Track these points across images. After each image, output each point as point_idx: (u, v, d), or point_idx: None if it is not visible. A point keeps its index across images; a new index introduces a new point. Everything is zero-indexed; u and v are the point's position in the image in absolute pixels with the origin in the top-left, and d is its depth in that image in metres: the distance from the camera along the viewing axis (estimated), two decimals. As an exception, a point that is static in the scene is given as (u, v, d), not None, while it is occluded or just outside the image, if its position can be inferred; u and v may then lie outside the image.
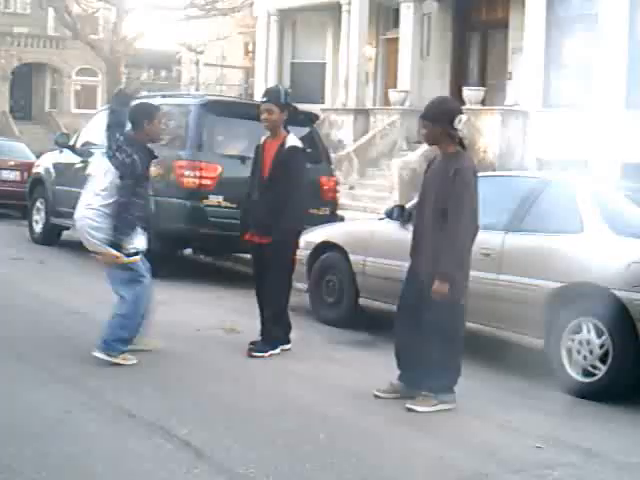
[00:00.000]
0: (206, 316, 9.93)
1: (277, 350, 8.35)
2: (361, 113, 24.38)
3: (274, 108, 8.36)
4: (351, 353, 8.83)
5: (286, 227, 8.30)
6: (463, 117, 7.01)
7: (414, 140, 21.42)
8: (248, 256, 13.89)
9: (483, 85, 21.97)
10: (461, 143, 7.09)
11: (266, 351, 8.27)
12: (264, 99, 8.50)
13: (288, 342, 8.54)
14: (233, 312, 10.21)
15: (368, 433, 6.29)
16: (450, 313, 6.86)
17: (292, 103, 8.61)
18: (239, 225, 8.88)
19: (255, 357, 8.18)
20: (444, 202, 6.83)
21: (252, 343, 8.35)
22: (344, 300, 10.04)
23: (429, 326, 6.87)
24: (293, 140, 8.45)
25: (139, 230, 7.78)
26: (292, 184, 8.31)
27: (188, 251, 13.93)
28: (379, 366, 8.26)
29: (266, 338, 8.39)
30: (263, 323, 8.53)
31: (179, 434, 5.83)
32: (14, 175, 20.23)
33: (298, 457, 5.61)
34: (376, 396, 7.12)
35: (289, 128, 8.61)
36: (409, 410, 6.75)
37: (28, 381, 6.89)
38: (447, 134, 6.98)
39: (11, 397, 6.44)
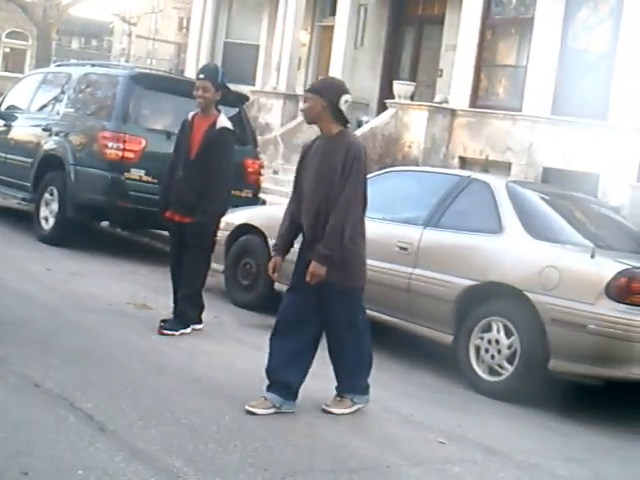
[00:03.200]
0: (119, 290, 9.84)
1: (188, 330, 8.31)
2: (291, 98, 24.34)
3: (210, 86, 8.28)
4: (263, 337, 8.70)
5: (210, 209, 8.25)
6: (349, 97, 6.52)
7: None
8: (165, 233, 13.90)
9: (414, 80, 22.06)
10: (344, 123, 6.61)
11: (177, 330, 8.22)
12: (201, 76, 8.40)
13: (200, 322, 8.52)
14: (146, 288, 10.14)
15: (273, 418, 6.28)
16: (350, 302, 6.60)
17: (227, 84, 8.57)
18: (159, 201, 8.79)
19: (166, 335, 8.13)
20: (335, 184, 6.38)
21: (163, 321, 8.30)
22: (260, 284, 10.02)
23: (335, 321, 6.61)
24: (225, 121, 8.38)
25: None
26: (220, 166, 8.25)
27: (105, 223, 13.80)
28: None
29: (178, 317, 8.34)
30: (176, 301, 8.48)
31: (83, 407, 5.77)
32: None
33: (202, 437, 5.59)
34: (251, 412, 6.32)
35: (219, 107, 8.56)
36: (326, 412, 6.55)
37: None
38: (331, 110, 6.48)
39: None
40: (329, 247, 6.36)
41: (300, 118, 22.74)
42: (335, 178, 6.40)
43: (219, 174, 8.25)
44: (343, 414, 6.57)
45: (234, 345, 8.32)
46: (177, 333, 8.21)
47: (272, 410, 6.37)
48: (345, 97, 6.55)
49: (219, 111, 8.44)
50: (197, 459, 5.21)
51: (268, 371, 6.56)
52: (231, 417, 6.10)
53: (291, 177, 21.60)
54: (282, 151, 21.72)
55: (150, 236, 14.57)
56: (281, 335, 6.62)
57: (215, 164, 8.21)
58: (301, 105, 22.49)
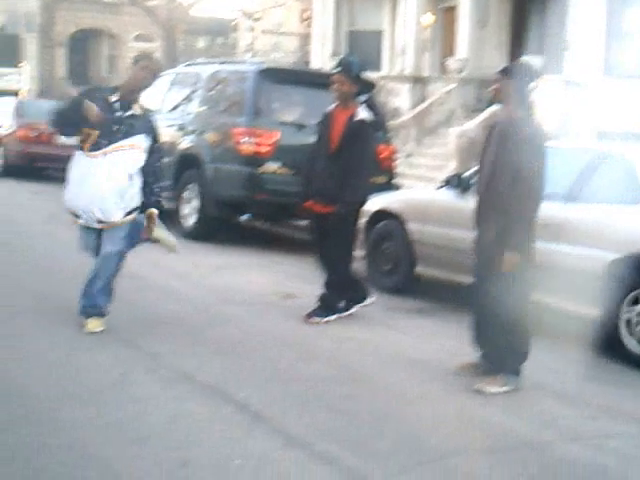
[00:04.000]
0: (264, 281, 10.00)
1: (333, 317, 8.39)
2: (418, 81, 24.28)
3: (346, 79, 8.33)
4: (408, 321, 8.84)
5: (350, 200, 8.32)
6: (536, 84, 6.63)
7: (472, 109, 21.29)
8: (304, 223, 13.99)
9: (541, 54, 21.73)
10: (530, 108, 6.69)
11: (323, 317, 8.32)
12: (336, 69, 8.46)
13: (363, 300, 8.71)
14: (290, 278, 10.26)
15: (425, 400, 6.30)
16: (516, 287, 6.61)
17: (363, 74, 8.59)
18: (301, 192, 8.89)
19: (312, 323, 8.23)
20: (512, 170, 6.49)
21: (313, 311, 8.43)
22: (401, 268, 10.04)
23: (493, 302, 6.63)
24: (363, 113, 8.40)
25: None
26: (359, 157, 8.30)
27: (245, 217, 13.99)
28: (436, 334, 8.30)
29: (324, 304, 8.44)
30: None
31: (237, 397, 5.89)
32: (71, 140, 20.29)
33: (354, 423, 5.64)
34: (457, 373, 6.93)
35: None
36: (478, 392, 6.53)
37: (90, 342, 6.96)
38: (518, 94, 6.59)
39: (74, 358, 6.54)
40: (519, 238, 6.53)
41: (429, 101, 22.68)
42: (509, 163, 6.50)
43: (359, 165, 8.30)
44: (495, 393, 6.54)
45: (380, 330, 8.34)
46: (323, 320, 8.30)
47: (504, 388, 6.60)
48: (534, 83, 6.62)
49: (358, 103, 8.46)
50: (352, 444, 5.25)
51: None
52: (383, 401, 6.13)
53: (424, 160, 21.60)
54: (414, 135, 21.68)
55: (290, 227, 14.72)
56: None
57: (355, 155, 8.26)
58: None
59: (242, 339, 7.50)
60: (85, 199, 7.25)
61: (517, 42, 23.72)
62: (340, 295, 8.53)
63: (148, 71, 7.51)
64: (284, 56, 39.74)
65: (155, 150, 7.50)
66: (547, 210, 8.32)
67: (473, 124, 19.39)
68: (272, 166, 11.99)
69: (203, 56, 37.67)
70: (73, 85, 50.88)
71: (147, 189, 7.42)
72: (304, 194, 8.69)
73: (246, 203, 12.26)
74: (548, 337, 8.43)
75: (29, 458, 4.66)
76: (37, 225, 13.05)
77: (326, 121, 8.55)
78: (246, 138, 12.06)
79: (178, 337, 7.36)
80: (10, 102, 22.63)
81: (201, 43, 55.82)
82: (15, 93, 29.89)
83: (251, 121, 12.21)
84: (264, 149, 12.02)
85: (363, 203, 8.64)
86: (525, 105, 6.64)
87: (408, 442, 5.38)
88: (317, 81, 12.93)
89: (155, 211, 7.50)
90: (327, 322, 8.28)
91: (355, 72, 8.35)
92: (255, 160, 12.03)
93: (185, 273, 10.06)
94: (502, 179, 6.57)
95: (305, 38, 38.47)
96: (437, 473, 4.95)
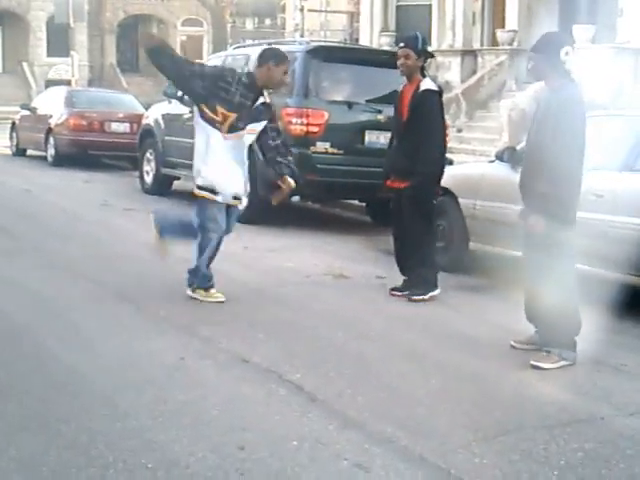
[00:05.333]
0: (315, 262, 9.98)
1: (436, 292, 8.46)
2: (468, 54, 24.09)
3: (411, 53, 8.36)
4: (462, 298, 8.78)
5: (423, 171, 8.30)
6: (569, 49, 6.57)
7: (523, 80, 21.09)
8: (355, 202, 13.97)
9: (593, 23, 21.47)
10: (567, 76, 6.63)
11: (424, 294, 8.39)
12: (401, 44, 8.52)
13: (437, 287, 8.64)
14: (341, 258, 10.23)
15: (480, 378, 6.25)
16: (561, 259, 6.56)
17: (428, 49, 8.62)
18: (383, 171, 8.90)
19: (416, 301, 8.31)
20: (551, 136, 6.44)
21: (396, 289, 8.46)
22: (454, 244, 9.96)
23: (539, 275, 6.60)
24: (427, 83, 8.42)
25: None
26: (427, 127, 8.31)
27: (296, 198, 13.98)
28: (490, 311, 8.24)
29: (420, 282, 8.47)
30: (402, 269, 8.62)
31: (292, 379, 5.89)
32: (124, 127, 20.50)
33: (410, 402, 5.62)
34: (512, 346, 6.94)
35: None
36: (533, 368, 6.49)
37: (144, 329, 7.02)
38: (552, 65, 6.56)
39: (129, 345, 6.58)
40: (546, 207, 6.41)
41: (480, 74, 22.51)
42: (546, 130, 6.47)
43: (428, 136, 8.31)
44: (551, 369, 6.47)
45: (432, 307, 8.30)
46: (426, 297, 8.38)
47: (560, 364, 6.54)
48: (565, 49, 6.56)
49: (424, 76, 8.47)
50: (407, 424, 5.24)
51: None
52: (437, 380, 6.10)
53: (475, 134, 21.46)
54: (465, 109, 21.53)
55: (340, 207, 14.68)
56: None
57: (423, 126, 8.28)
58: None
59: (295, 320, 7.51)
60: (227, 177, 7.88)
61: (568, 10, 23.43)
62: (431, 269, 8.55)
63: (285, 77, 8.17)
64: (333, 34, 39.68)
65: (273, 129, 8.14)
66: (601, 180, 8.24)
67: (524, 96, 19.15)
68: (322, 146, 11.97)
69: (252, 38, 37.74)
70: (123, 72, 51.27)
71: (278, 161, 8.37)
72: (385, 172, 8.76)
73: (297, 184, 12.19)
74: (603, 309, 8.33)
75: (87, 445, 4.69)
76: (90, 213, 13.13)
77: (397, 100, 8.65)
78: (296, 119, 12.02)
79: (232, 320, 7.39)
80: (60, 92, 22.77)
81: (249, 25, 55.94)
82: (68, 82, 30.06)
83: (301, 101, 12.18)
84: (314, 129, 11.99)
85: (439, 175, 8.58)
86: (560, 73, 6.57)
87: (464, 420, 5.35)
88: (366, 58, 12.88)
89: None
90: (430, 298, 8.38)
91: (420, 46, 8.38)
92: (306, 140, 12.00)
93: (237, 256, 10.05)
94: (542, 146, 6.50)
95: (353, 15, 38.34)
96: (493, 451, 4.91)
